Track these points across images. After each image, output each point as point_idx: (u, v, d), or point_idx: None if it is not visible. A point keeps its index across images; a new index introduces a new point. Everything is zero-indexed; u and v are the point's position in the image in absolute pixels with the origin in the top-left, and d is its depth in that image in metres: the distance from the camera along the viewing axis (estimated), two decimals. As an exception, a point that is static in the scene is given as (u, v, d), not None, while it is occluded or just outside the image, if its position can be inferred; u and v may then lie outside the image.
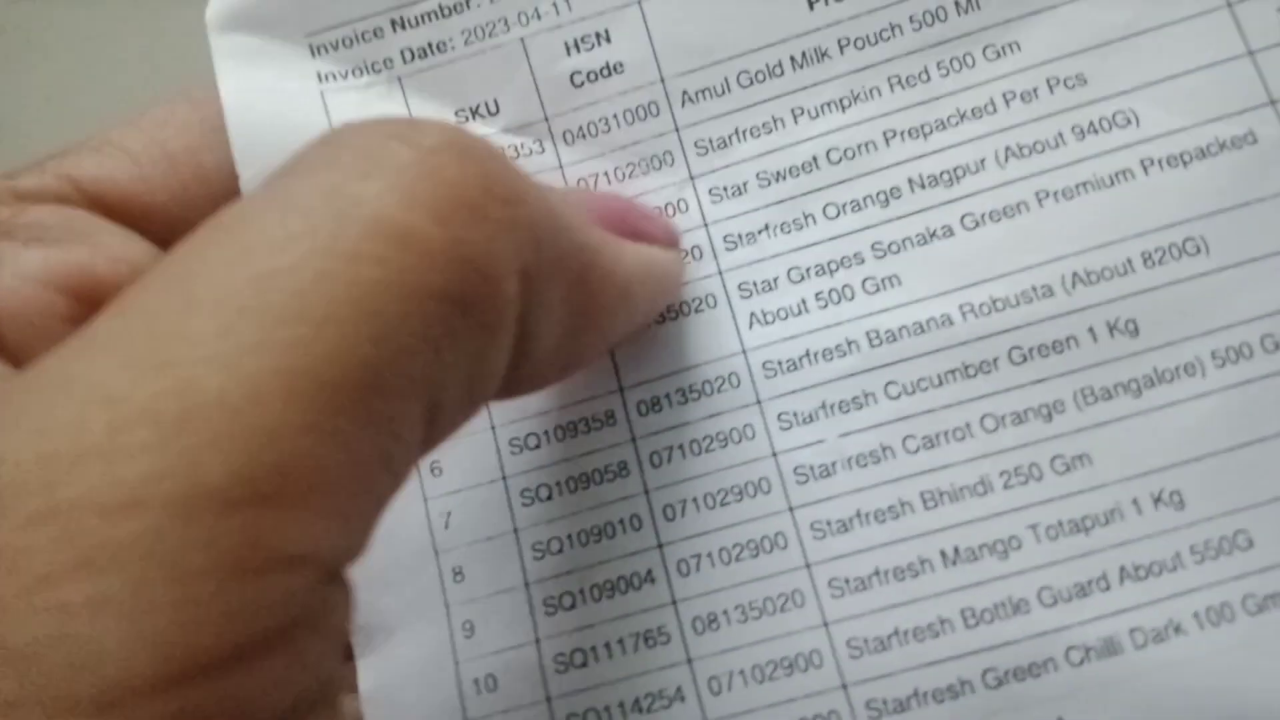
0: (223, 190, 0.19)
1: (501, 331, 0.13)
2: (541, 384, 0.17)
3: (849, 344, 0.19)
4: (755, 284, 0.20)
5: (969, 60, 0.20)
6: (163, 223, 0.19)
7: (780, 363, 0.19)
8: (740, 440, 0.19)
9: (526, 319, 0.14)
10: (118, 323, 0.12)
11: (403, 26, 0.21)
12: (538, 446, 0.20)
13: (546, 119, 0.21)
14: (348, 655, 0.19)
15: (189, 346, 0.11)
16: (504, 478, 0.20)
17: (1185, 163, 0.19)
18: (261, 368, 0.11)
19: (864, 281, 0.19)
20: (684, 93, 0.20)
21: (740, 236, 0.20)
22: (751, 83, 0.20)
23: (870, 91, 0.20)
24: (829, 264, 0.20)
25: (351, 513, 0.12)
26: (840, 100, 0.20)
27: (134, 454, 0.11)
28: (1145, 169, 0.19)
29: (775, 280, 0.20)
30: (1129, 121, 0.19)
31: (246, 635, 0.11)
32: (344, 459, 0.12)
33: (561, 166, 0.21)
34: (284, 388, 0.11)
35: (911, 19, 0.20)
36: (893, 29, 0.20)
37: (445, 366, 0.13)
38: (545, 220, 0.14)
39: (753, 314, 0.20)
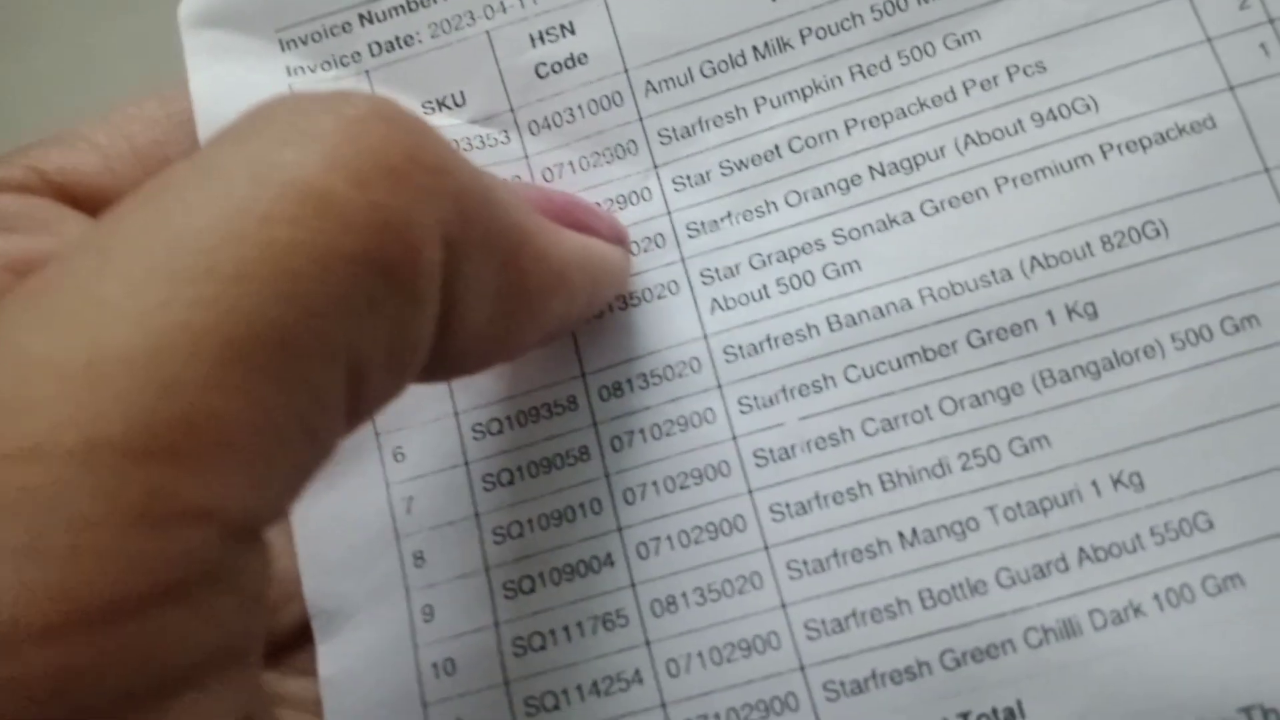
0: None
1: (424, 299, 0.13)
2: (477, 364, 0.17)
3: (809, 328, 0.19)
4: (717, 270, 0.20)
5: (929, 49, 0.20)
6: None
7: (741, 347, 0.19)
8: (701, 424, 0.19)
9: (452, 289, 0.14)
10: (37, 284, 0.12)
11: (370, 21, 0.21)
12: (500, 431, 0.20)
13: (512, 110, 0.21)
14: (304, 637, 0.19)
15: (98, 304, 0.11)
16: (466, 463, 0.20)
17: (1144, 147, 0.19)
18: (167, 324, 0.11)
19: (825, 267, 0.19)
20: (647, 83, 0.21)
21: (703, 224, 0.20)
22: (714, 72, 0.20)
23: (832, 80, 0.20)
24: (790, 250, 0.20)
25: (262, 472, 0.12)
26: (802, 89, 0.20)
27: (37, 405, 0.11)
28: (1104, 154, 0.19)
29: (737, 266, 0.20)
30: (1088, 108, 0.19)
31: (145, 587, 0.11)
32: (253, 417, 0.12)
33: (527, 156, 0.21)
34: (189, 344, 0.11)
35: (872, 8, 0.20)
36: (854, 18, 0.20)
37: (365, 331, 0.13)
38: (474, 193, 0.14)
39: (714, 300, 0.20)
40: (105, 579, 0.11)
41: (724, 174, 0.20)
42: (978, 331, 0.19)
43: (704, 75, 0.20)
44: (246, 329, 0.11)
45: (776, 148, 0.20)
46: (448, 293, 0.14)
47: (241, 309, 0.11)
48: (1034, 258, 0.19)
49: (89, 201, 0.19)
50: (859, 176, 0.20)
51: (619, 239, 0.20)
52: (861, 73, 0.20)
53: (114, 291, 0.11)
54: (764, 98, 0.20)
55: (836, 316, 0.19)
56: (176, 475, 0.11)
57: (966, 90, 0.20)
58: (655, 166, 0.20)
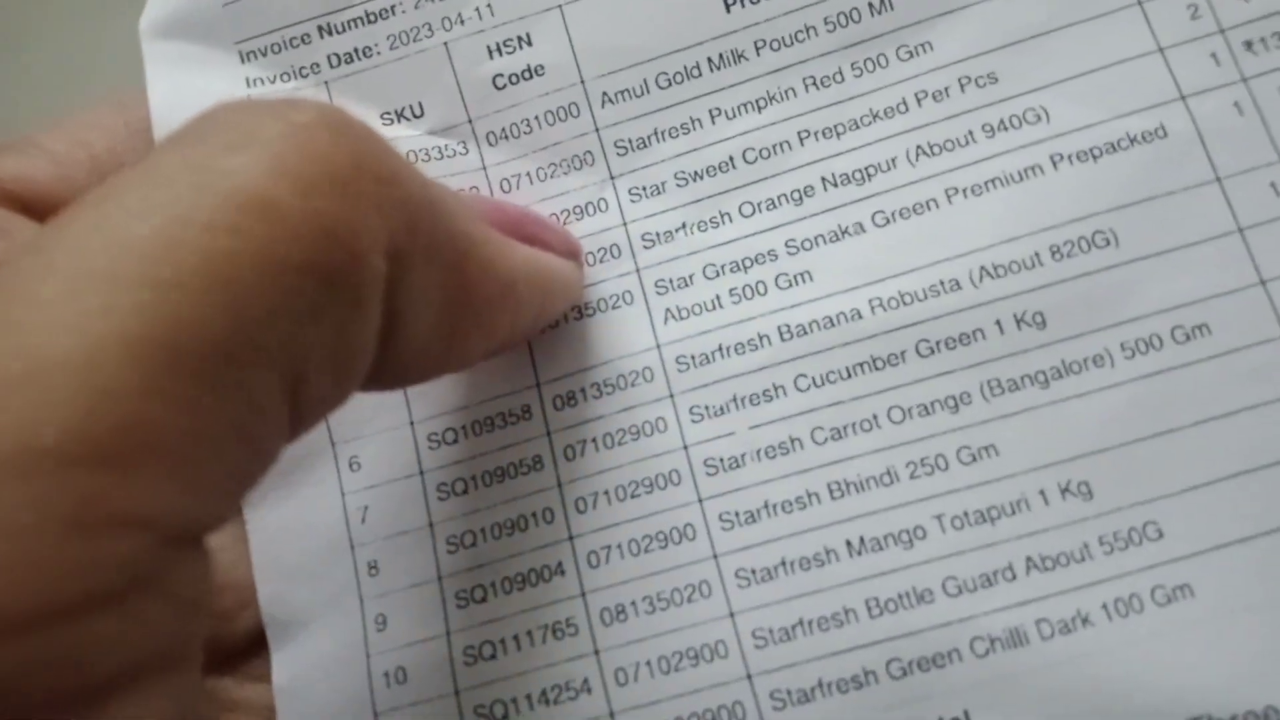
0: None
1: (367, 308, 0.13)
2: (423, 373, 0.17)
3: (761, 338, 0.19)
4: (671, 281, 0.20)
5: (882, 60, 0.20)
6: None
7: (693, 357, 0.19)
8: (652, 433, 0.19)
9: (396, 299, 0.14)
10: None
11: (330, 32, 0.21)
12: (455, 441, 0.20)
13: (470, 121, 0.21)
14: (260, 644, 0.19)
15: (37, 309, 0.11)
16: (421, 472, 0.20)
17: (1095, 157, 0.19)
18: (104, 331, 0.11)
19: (777, 277, 0.20)
20: (604, 94, 0.21)
21: (658, 235, 0.20)
22: (670, 84, 0.21)
23: (786, 92, 0.20)
24: (743, 261, 0.20)
25: (199, 479, 0.12)
26: (756, 101, 0.20)
27: None
28: (1055, 164, 0.19)
29: (691, 277, 0.20)
30: (1039, 118, 0.19)
31: (76, 594, 0.11)
32: (189, 424, 0.12)
33: (485, 167, 0.21)
34: (126, 352, 0.11)
35: (826, 20, 0.20)
36: (808, 30, 0.20)
37: (306, 339, 0.13)
38: (421, 203, 0.14)
39: (668, 310, 0.20)
40: (36, 586, 0.11)
41: (679, 185, 0.20)
42: (926, 341, 0.19)
43: (659, 86, 0.21)
44: (184, 337, 0.12)
45: (731, 159, 0.20)
46: (392, 302, 0.14)
47: (179, 317, 0.12)
48: (983, 268, 0.19)
49: (43, 209, 0.19)
50: (812, 187, 0.20)
51: (571, 252, 0.20)
52: (815, 84, 0.20)
53: (53, 297, 0.11)
54: (719, 109, 0.20)
55: (787, 326, 0.19)
56: (110, 482, 0.11)
57: (918, 101, 0.20)
58: (611, 177, 0.21)
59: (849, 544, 0.18)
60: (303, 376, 0.13)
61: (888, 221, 0.19)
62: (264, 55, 0.21)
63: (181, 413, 0.12)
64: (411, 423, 0.20)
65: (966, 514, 0.18)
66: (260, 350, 0.12)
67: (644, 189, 0.20)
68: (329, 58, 0.21)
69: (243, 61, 0.21)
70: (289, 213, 0.12)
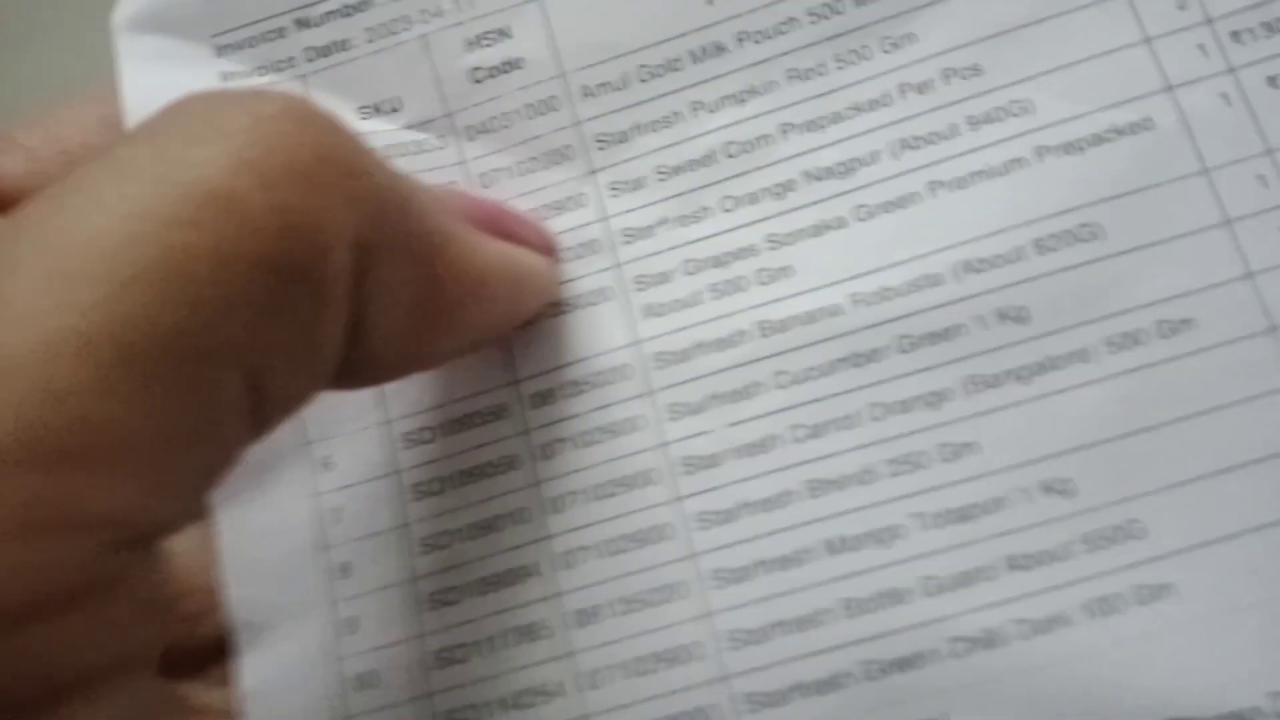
0: None
1: (331, 303, 0.13)
2: (393, 371, 0.16)
3: (740, 334, 0.19)
4: (651, 276, 0.20)
5: (865, 53, 0.20)
6: None
7: (672, 354, 0.19)
8: (630, 431, 0.19)
9: (362, 295, 0.14)
10: None
11: (306, 26, 0.21)
12: (430, 440, 0.20)
13: (449, 115, 0.21)
14: (226, 649, 0.19)
15: None
16: (396, 472, 0.20)
17: (1081, 149, 0.19)
18: (60, 328, 0.11)
19: (757, 273, 0.19)
20: (584, 87, 0.20)
21: (638, 230, 0.20)
22: (651, 77, 0.20)
23: (767, 85, 0.20)
24: (724, 256, 0.19)
25: (157, 479, 0.12)
26: (738, 94, 0.20)
27: None
28: (1040, 156, 0.19)
29: (670, 273, 0.20)
30: (1024, 110, 0.19)
31: (27, 597, 0.11)
32: (145, 423, 0.11)
33: (464, 162, 0.21)
34: (80, 348, 0.11)
35: (809, 12, 0.20)
36: (790, 23, 0.20)
37: (267, 336, 0.12)
38: (389, 197, 0.14)
39: (647, 306, 0.19)
40: None
41: (660, 179, 0.20)
42: (907, 337, 0.18)
43: (640, 80, 0.20)
44: (140, 334, 0.11)
45: (713, 153, 0.20)
46: (358, 298, 0.14)
47: (136, 313, 0.11)
48: (965, 262, 0.18)
49: (15, 204, 0.19)
50: (794, 182, 0.19)
51: (547, 248, 0.19)
52: (797, 77, 0.20)
53: (9, 293, 0.11)
54: (700, 102, 0.20)
55: (767, 322, 0.19)
56: (63, 483, 0.11)
57: (902, 94, 0.19)
58: (592, 172, 0.20)
59: (827, 543, 0.18)
60: (265, 374, 0.13)
61: (870, 216, 0.19)
62: (239, 49, 0.21)
63: (137, 411, 0.11)
64: (386, 422, 0.20)
65: (946, 512, 0.18)
66: (220, 347, 0.12)
67: (624, 184, 0.20)
68: (305, 51, 0.21)
69: (218, 55, 0.21)
70: (250, 207, 0.12)
